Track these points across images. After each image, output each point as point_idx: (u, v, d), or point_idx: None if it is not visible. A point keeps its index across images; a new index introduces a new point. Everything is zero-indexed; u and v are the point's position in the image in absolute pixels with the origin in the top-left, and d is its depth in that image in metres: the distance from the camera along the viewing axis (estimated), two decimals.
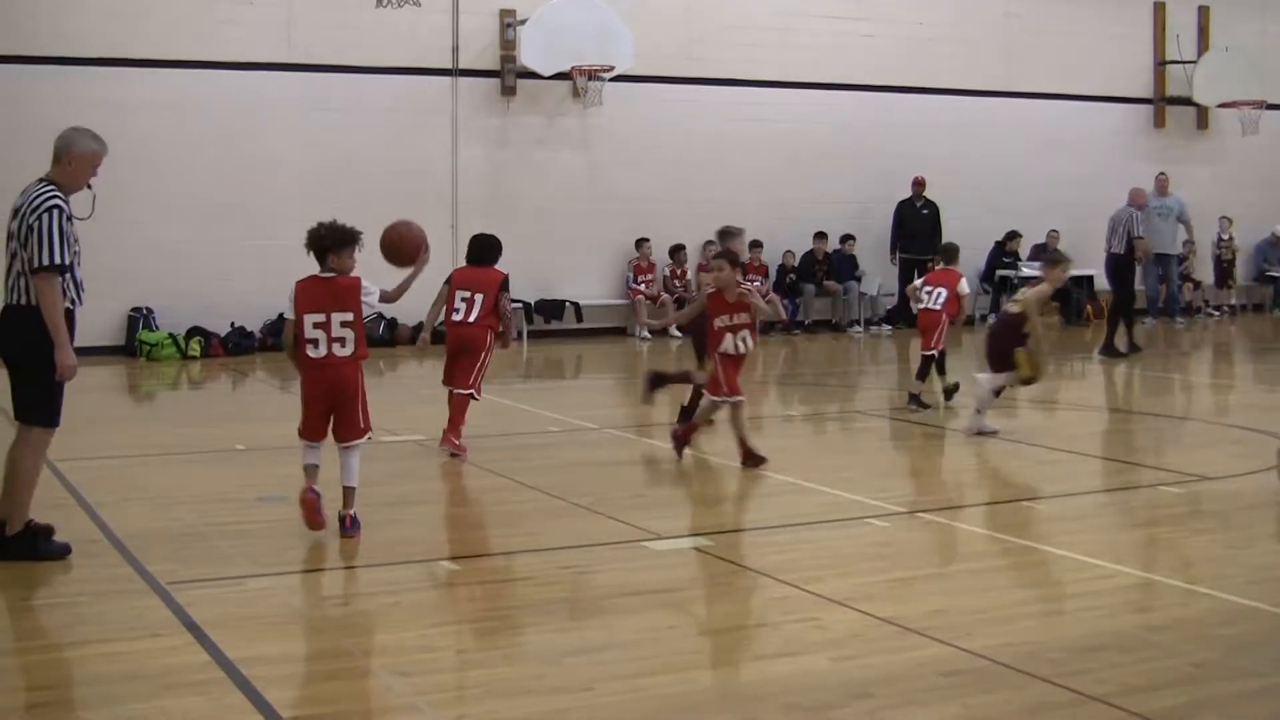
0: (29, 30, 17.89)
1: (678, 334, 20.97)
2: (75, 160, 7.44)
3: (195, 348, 18.19)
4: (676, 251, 21.27)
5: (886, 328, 22.14)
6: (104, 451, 10.88)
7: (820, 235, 22.17)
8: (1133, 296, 18.78)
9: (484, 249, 11.03)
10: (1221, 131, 25.36)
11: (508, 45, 20.22)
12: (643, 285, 21.00)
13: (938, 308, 13.15)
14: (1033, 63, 23.63)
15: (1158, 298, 23.60)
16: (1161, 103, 25.01)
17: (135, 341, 18.03)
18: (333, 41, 19.20)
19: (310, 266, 8.13)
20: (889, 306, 22.54)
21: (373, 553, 7.57)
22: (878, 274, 22.49)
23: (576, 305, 20.79)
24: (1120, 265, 18.24)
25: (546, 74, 19.93)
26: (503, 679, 5.72)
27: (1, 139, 17.48)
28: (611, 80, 20.21)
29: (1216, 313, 25.13)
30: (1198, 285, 25.26)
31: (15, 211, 7.29)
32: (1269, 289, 26.09)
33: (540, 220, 20.53)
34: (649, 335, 20.72)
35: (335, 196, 19.14)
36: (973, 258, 23.05)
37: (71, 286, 7.32)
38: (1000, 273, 23.07)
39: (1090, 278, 23.54)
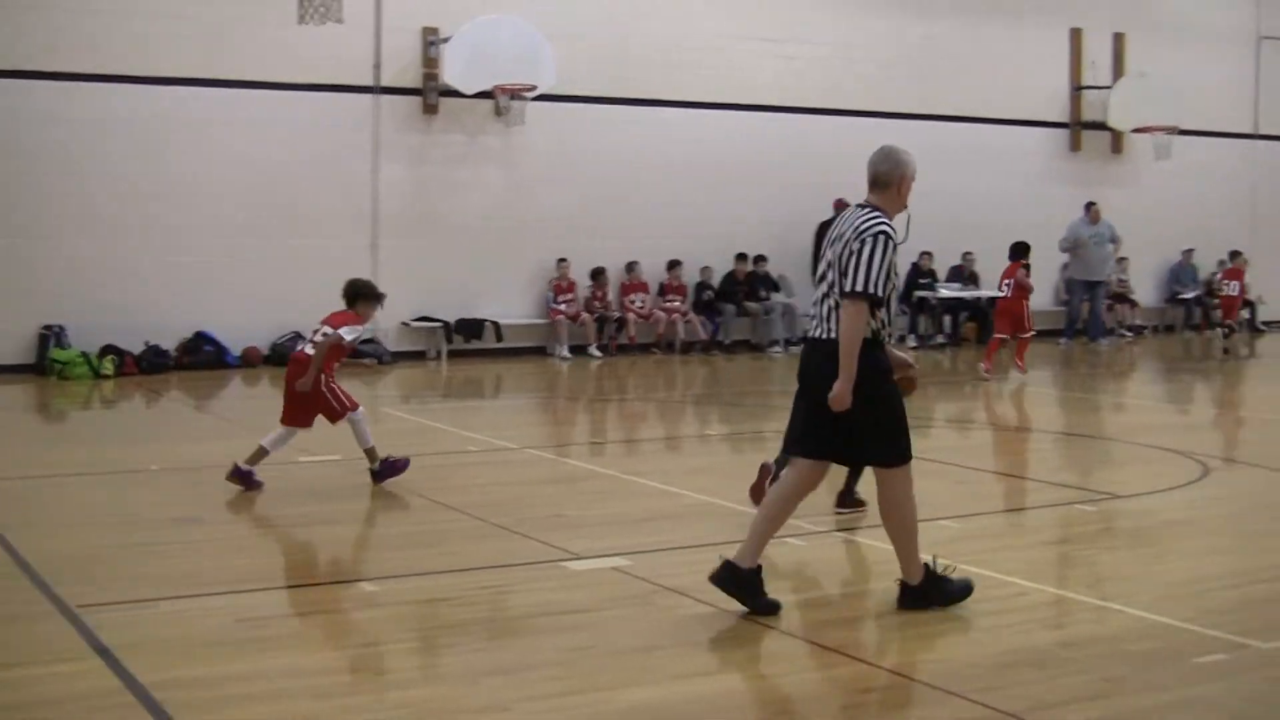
0: None
1: (598, 353, 21.01)
2: (907, 184, 6.98)
3: (108, 366, 17.92)
4: (599, 273, 21.30)
5: None
6: (13, 472, 10.73)
7: (741, 256, 22.29)
8: None
9: None
10: (1135, 156, 25.77)
11: (430, 63, 20.18)
12: (563, 305, 20.99)
13: None
14: (951, 86, 23.90)
15: (1077, 319, 23.97)
16: (1078, 127, 25.41)
17: (46, 360, 17.73)
18: (253, 57, 19.05)
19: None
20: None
21: (290, 573, 7.51)
22: (797, 294, 22.56)
23: (496, 325, 20.74)
24: None
25: (469, 92, 19.90)
26: (421, 700, 5.70)
27: None
28: (534, 99, 20.22)
29: (1129, 334, 25.52)
30: (1134, 305, 25.76)
31: (838, 238, 6.83)
32: (1180, 311, 26.55)
33: (460, 239, 20.48)
34: (569, 355, 20.72)
35: (255, 213, 19.13)
36: None
37: (877, 319, 6.79)
38: (918, 293, 23.31)
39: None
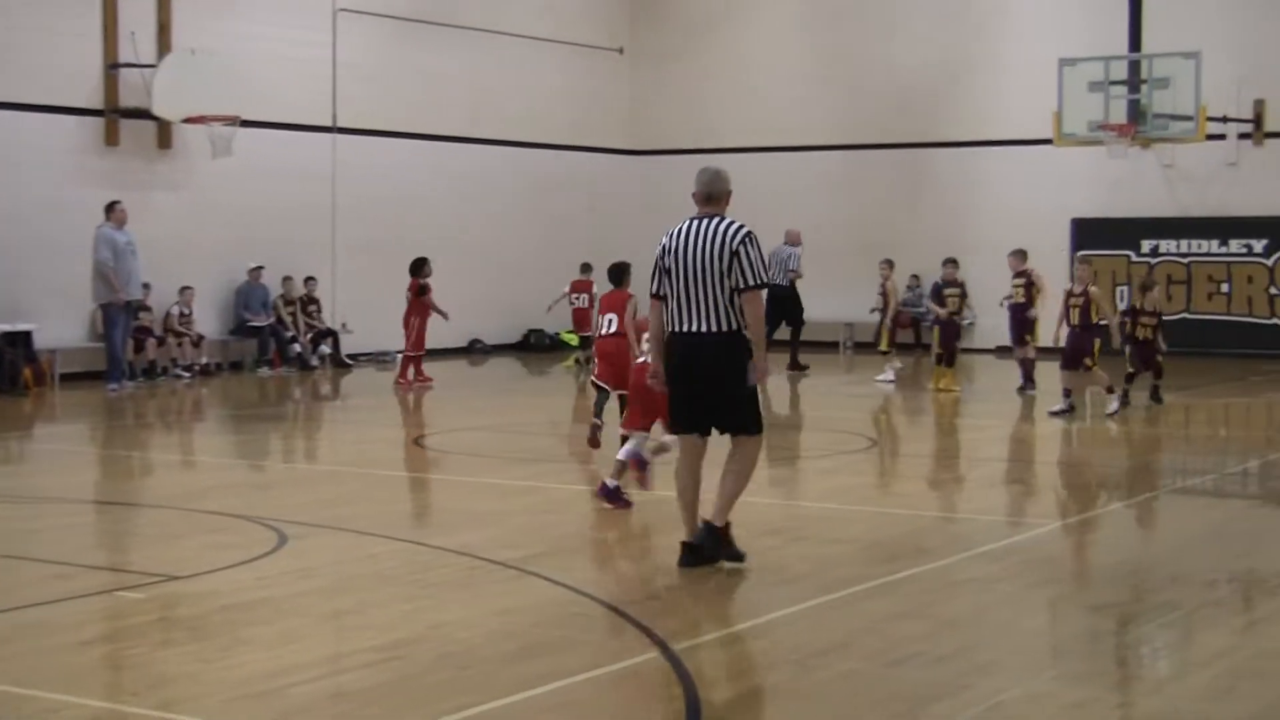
0: None
1: None
2: (730, 197, 10.34)
3: None
4: None
5: None
6: None
7: None
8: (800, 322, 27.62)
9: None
10: (189, 151, 25.78)
11: None
12: None
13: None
14: None
15: (121, 354, 23.68)
16: (115, 115, 25.00)
17: None
18: None
19: None
20: None
21: None
22: None
23: None
24: (786, 295, 26.91)
25: None
26: None
27: None
28: None
29: (187, 374, 25.43)
30: (198, 340, 25.71)
31: (701, 246, 10.01)
32: (252, 343, 26.85)
33: None
34: None
35: None
36: None
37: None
38: None
39: (30, 333, 23.14)
